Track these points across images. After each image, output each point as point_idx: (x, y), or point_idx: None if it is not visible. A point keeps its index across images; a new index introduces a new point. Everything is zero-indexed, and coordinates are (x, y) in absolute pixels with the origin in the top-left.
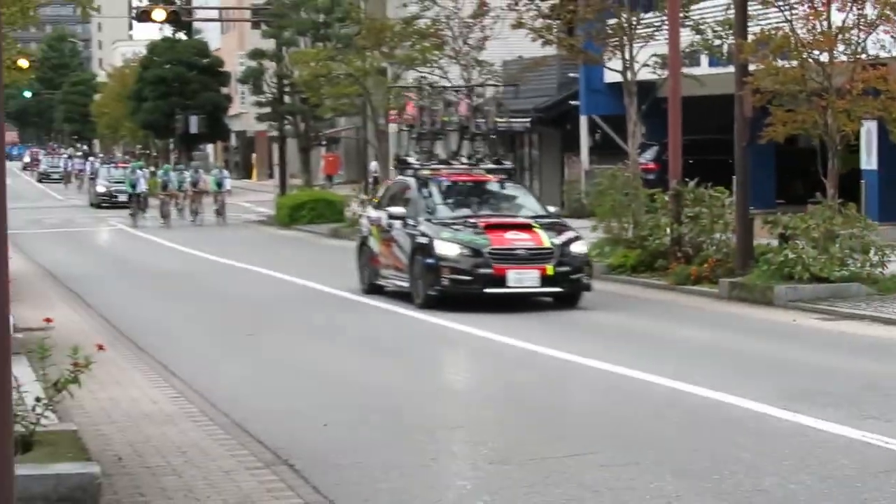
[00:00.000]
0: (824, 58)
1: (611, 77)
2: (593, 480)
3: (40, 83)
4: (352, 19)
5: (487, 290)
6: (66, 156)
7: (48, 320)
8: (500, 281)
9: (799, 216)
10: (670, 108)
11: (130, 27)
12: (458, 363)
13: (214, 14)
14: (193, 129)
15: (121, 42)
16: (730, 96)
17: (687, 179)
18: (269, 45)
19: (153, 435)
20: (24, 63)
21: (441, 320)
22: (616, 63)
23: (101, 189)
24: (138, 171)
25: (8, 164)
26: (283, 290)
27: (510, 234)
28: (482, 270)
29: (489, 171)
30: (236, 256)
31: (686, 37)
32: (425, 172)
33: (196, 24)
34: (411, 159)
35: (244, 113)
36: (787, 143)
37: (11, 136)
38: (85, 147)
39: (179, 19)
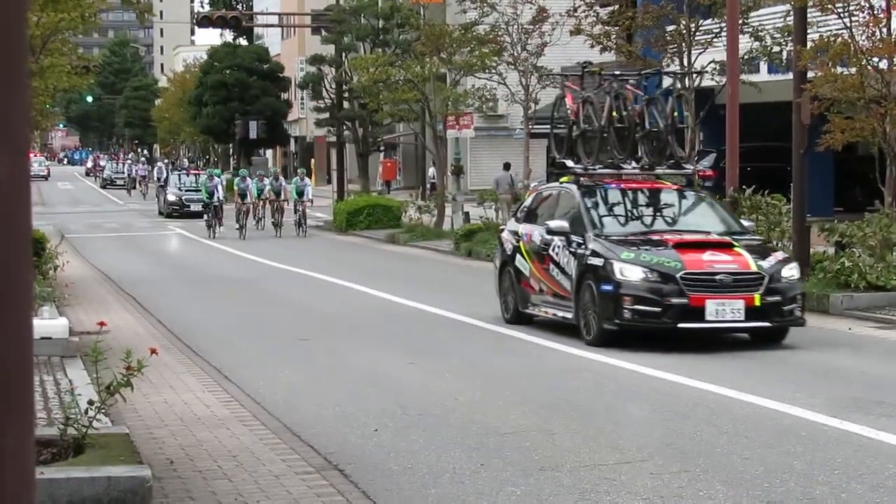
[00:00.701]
0: (883, 65)
1: (669, 83)
2: (643, 488)
3: (102, 88)
4: (411, 25)
5: (682, 325)
6: (129, 161)
7: (102, 324)
8: (698, 313)
9: (856, 224)
10: (728, 115)
11: (192, 33)
12: (523, 373)
13: (275, 20)
14: (253, 134)
15: (182, 47)
16: (788, 103)
17: (744, 187)
18: (329, 50)
19: (205, 439)
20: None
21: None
22: (674, 69)
23: (171, 197)
24: (216, 178)
25: (69, 168)
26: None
27: (708, 255)
28: (675, 300)
29: (665, 176)
30: (311, 266)
31: (745, 43)
32: (587, 179)
33: (256, 30)
34: (570, 163)
35: (303, 118)
36: (845, 151)
37: (73, 140)
38: (145, 152)
39: (240, 25)
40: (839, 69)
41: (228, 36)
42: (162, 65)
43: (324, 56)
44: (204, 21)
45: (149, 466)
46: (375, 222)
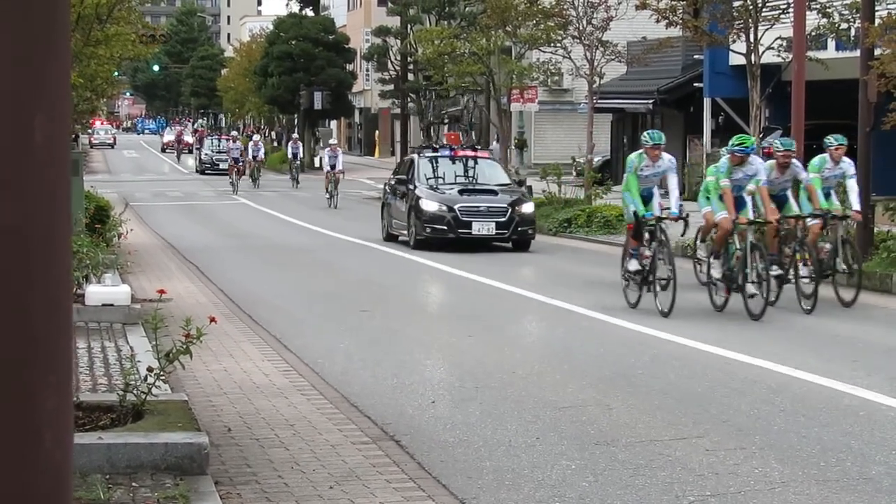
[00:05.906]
0: None
1: (736, 59)
2: (698, 464)
3: (169, 57)
4: None
5: None
6: (247, 139)
7: (161, 292)
8: None
9: None
10: (794, 92)
11: (259, 3)
12: (572, 344)
13: None
14: (318, 105)
15: (248, 17)
16: (855, 81)
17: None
18: (394, 22)
19: (263, 407)
20: (151, 37)
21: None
22: (741, 45)
23: (429, 207)
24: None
25: (134, 137)
26: None
27: None
28: None
29: None
30: (367, 236)
31: (812, 20)
32: None
33: (323, 1)
34: None
35: (368, 90)
36: None
37: (140, 108)
38: (227, 127)
39: None
40: None
41: (295, 6)
42: (228, 34)
43: (389, 28)
44: None
45: (206, 433)
46: None
